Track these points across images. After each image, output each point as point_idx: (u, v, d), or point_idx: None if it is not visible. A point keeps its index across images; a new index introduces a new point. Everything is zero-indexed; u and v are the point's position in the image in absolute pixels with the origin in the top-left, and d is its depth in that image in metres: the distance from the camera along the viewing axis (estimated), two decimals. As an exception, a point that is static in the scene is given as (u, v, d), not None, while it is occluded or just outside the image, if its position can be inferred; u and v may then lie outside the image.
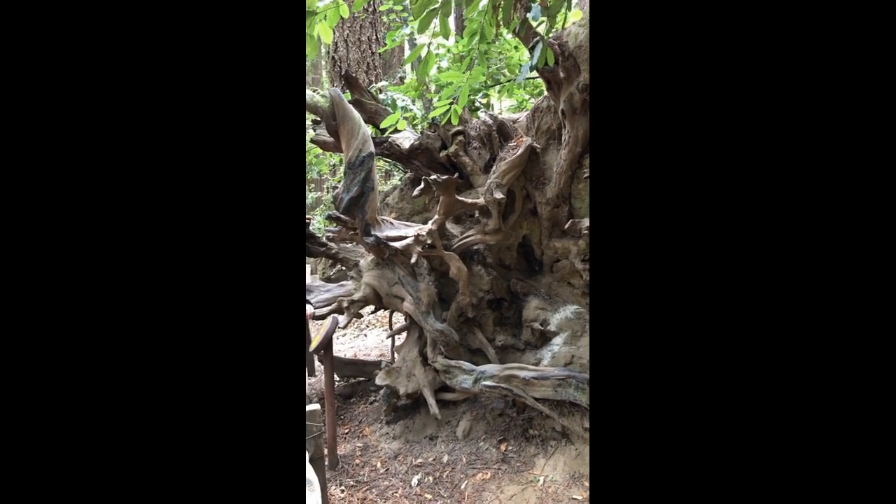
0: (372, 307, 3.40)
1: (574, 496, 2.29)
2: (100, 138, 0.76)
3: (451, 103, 1.73)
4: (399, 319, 3.62)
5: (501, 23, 1.71)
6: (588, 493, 2.29)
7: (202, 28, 0.79)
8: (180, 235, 0.79)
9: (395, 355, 3.37)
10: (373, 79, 5.80)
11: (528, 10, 1.82)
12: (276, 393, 0.82)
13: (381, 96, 3.22)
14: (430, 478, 2.59)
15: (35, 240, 0.74)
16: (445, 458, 2.72)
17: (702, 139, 0.77)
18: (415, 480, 2.58)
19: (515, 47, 3.45)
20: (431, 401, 2.88)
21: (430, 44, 1.43)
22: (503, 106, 4.77)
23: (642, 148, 0.80)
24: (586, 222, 2.53)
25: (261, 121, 0.82)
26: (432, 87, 3.36)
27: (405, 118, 2.45)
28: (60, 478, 0.73)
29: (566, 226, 2.62)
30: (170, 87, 0.78)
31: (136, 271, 0.77)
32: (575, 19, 2.38)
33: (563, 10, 1.60)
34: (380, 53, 5.96)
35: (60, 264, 0.75)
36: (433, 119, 2.89)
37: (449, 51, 3.33)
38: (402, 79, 4.74)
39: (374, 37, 6.02)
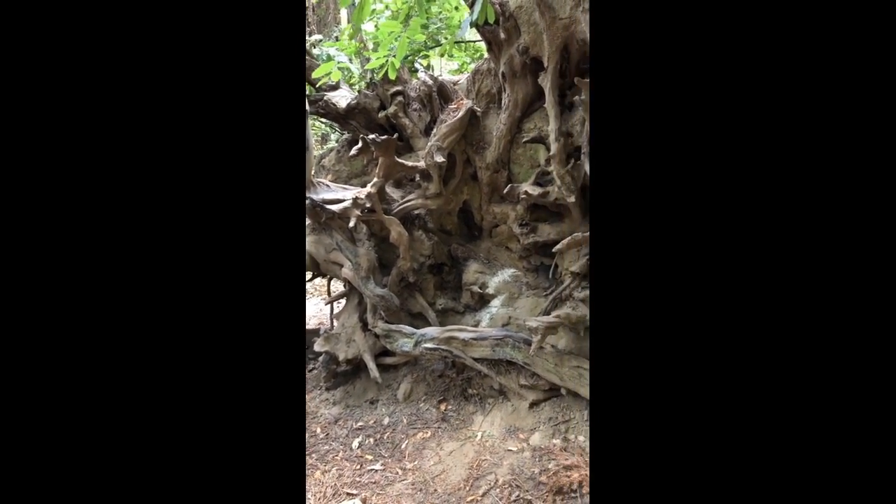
0: (309, 274, 3.30)
1: (509, 448, 2.41)
2: (88, 117, 0.72)
3: (390, 56, 1.67)
4: (338, 287, 3.54)
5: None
6: (522, 444, 2.42)
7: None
8: (176, 217, 0.76)
9: (334, 322, 3.31)
10: (306, 35, 5.46)
11: (469, -38, 1.77)
12: (274, 371, 0.81)
13: (315, 51, 3.04)
14: (371, 440, 2.61)
15: (25, 220, 0.71)
16: (386, 421, 2.75)
17: (704, 139, 0.77)
18: (355, 443, 2.60)
19: (456, 7, 3.37)
20: (372, 365, 2.88)
21: (365, -12, 1.35)
22: (444, 69, 4.68)
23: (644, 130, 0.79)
24: (524, 187, 2.58)
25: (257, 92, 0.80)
26: (370, 45, 3.22)
27: (340, 69, 2.33)
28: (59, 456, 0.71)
29: (505, 191, 2.66)
30: (162, 58, 0.75)
31: (134, 260, 0.74)
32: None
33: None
34: (313, 7, 5.60)
35: (56, 237, 0.71)
36: (371, 78, 2.78)
37: (387, 7, 3.20)
38: (337, 38, 4.49)
39: (308, -11, 5.62)
